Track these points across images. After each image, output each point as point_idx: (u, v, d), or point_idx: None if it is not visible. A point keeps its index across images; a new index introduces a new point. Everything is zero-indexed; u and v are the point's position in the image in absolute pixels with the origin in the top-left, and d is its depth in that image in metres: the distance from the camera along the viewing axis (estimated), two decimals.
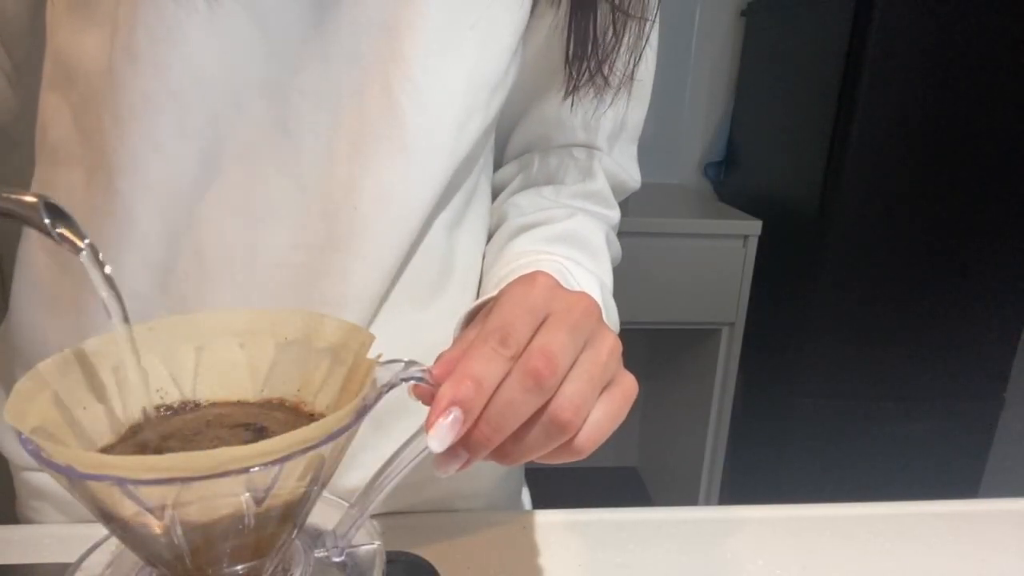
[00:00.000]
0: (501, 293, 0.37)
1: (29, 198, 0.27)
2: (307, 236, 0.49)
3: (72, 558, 0.50)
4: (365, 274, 0.50)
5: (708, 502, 2.03)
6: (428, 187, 0.50)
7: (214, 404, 0.34)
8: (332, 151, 0.48)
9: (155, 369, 0.33)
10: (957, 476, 1.88)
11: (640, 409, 2.48)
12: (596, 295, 0.52)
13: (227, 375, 0.34)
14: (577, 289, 0.45)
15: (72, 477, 0.25)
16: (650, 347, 2.26)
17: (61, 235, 0.28)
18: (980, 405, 1.83)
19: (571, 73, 0.56)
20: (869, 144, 1.61)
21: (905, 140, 1.61)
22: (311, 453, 0.27)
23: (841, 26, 1.60)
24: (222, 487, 0.26)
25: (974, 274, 1.71)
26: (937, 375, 1.79)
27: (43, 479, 0.56)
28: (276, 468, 0.26)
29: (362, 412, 0.29)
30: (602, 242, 0.60)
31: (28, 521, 0.59)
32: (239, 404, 0.34)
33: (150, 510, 0.26)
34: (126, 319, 0.31)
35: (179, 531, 0.27)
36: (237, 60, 0.46)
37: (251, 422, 0.33)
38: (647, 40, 0.57)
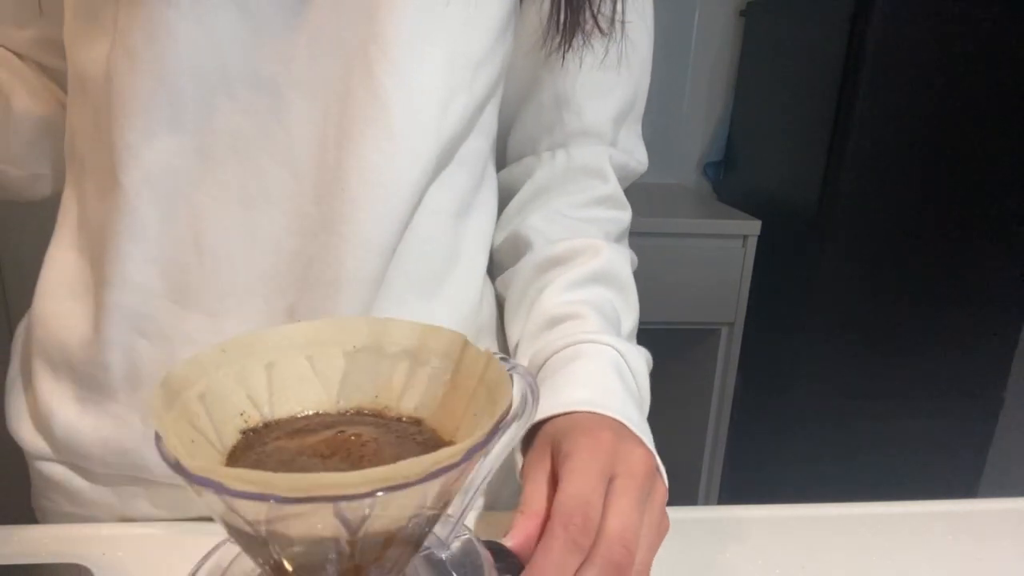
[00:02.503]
0: (569, 449, 0.42)
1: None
2: (301, 221, 0.50)
3: (85, 558, 0.51)
4: (359, 255, 0.50)
5: (707, 502, 2.03)
6: (415, 167, 0.50)
7: (295, 421, 0.34)
8: (321, 136, 0.49)
9: (234, 392, 0.33)
10: (956, 475, 1.89)
11: None
12: (644, 370, 0.55)
13: (300, 390, 0.34)
14: (632, 374, 0.52)
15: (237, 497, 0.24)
16: (649, 347, 2.25)
17: None
18: (979, 405, 1.83)
19: (558, 24, 0.56)
20: (868, 144, 1.61)
21: (904, 140, 1.61)
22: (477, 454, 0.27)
23: (840, 26, 1.60)
24: (418, 493, 0.26)
25: (973, 274, 1.71)
26: (936, 375, 1.79)
27: (57, 470, 0.57)
28: (430, 483, 0.26)
29: (510, 403, 0.30)
30: (630, 274, 0.61)
31: (43, 511, 0.60)
32: (321, 419, 0.34)
33: (347, 523, 0.26)
34: None
35: (360, 545, 0.27)
36: (227, 53, 0.47)
37: (362, 437, 0.33)
38: None
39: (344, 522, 0.26)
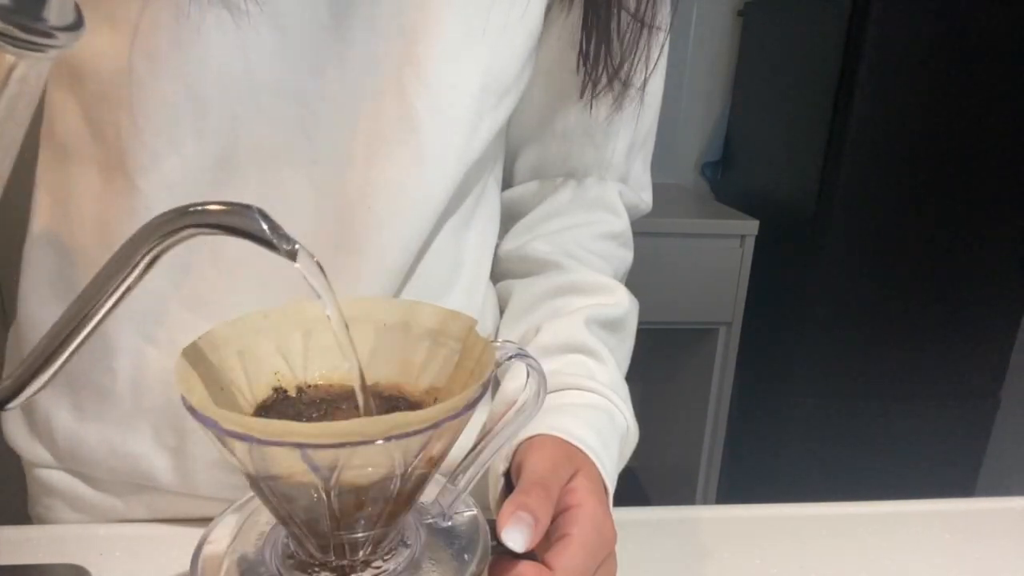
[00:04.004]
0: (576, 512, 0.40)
1: (243, 208, 0.28)
2: (322, 236, 0.50)
3: (83, 559, 0.51)
4: (377, 273, 0.50)
5: (705, 501, 2.03)
6: (440, 189, 0.51)
7: (324, 385, 0.38)
8: (348, 153, 0.49)
9: (271, 353, 0.36)
10: (953, 475, 1.89)
11: (637, 409, 2.47)
12: (634, 431, 0.55)
13: (332, 358, 0.37)
14: (624, 423, 0.52)
15: (251, 443, 0.27)
16: (647, 347, 2.26)
17: (279, 238, 0.29)
18: (976, 404, 1.83)
19: (587, 76, 0.56)
20: (865, 144, 1.61)
21: (901, 140, 1.61)
22: (459, 419, 0.30)
23: (838, 26, 1.60)
24: (383, 452, 0.29)
25: (970, 274, 1.71)
26: (933, 375, 1.79)
27: (55, 476, 0.57)
28: (430, 432, 0.29)
29: (485, 385, 0.33)
30: (634, 323, 0.61)
31: (40, 519, 0.59)
32: (347, 386, 0.38)
33: (317, 470, 0.29)
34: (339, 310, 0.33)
35: (335, 493, 0.30)
36: (256, 63, 0.46)
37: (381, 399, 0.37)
38: (663, 49, 0.57)
39: (313, 468, 0.28)
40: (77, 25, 0.28)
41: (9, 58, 0.26)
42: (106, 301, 0.29)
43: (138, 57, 0.45)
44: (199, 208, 0.28)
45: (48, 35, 0.27)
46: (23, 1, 0.26)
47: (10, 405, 0.30)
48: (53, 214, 0.52)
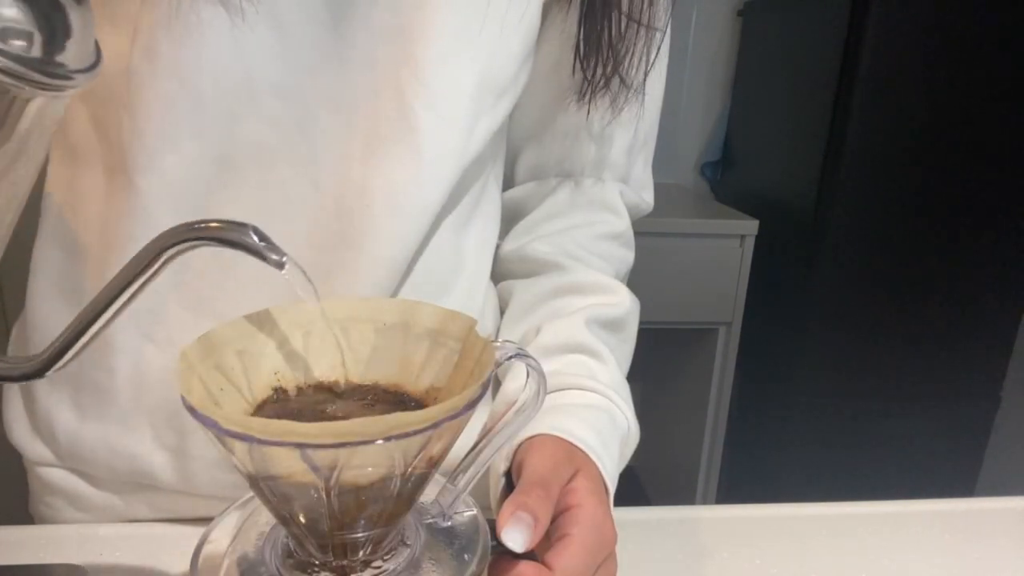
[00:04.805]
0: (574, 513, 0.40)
1: (239, 225, 0.31)
2: (321, 235, 0.50)
3: (83, 559, 0.51)
4: (376, 272, 0.50)
5: (705, 501, 2.03)
6: (438, 188, 0.51)
7: (324, 385, 0.38)
8: (346, 152, 0.49)
9: (271, 353, 0.37)
10: (953, 475, 1.89)
11: (637, 409, 2.47)
12: (635, 431, 0.55)
13: (333, 358, 0.38)
14: (625, 423, 0.52)
15: (251, 443, 0.28)
16: (647, 347, 2.25)
17: (270, 252, 0.32)
18: (976, 404, 1.83)
19: (585, 76, 0.56)
20: (865, 144, 1.61)
21: (901, 139, 1.61)
22: (458, 419, 0.30)
23: (838, 26, 1.60)
24: (383, 452, 0.29)
25: (970, 273, 1.71)
26: (933, 374, 1.79)
27: (56, 475, 0.57)
28: (430, 432, 0.29)
29: (485, 385, 0.33)
30: (635, 323, 0.61)
31: (42, 517, 0.60)
32: (347, 385, 0.38)
33: (317, 470, 0.29)
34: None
35: (335, 493, 0.30)
36: (254, 62, 0.46)
37: (379, 399, 0.37)
38: (659, 49, 0.57)
39: (313, 468, 0.29)
40: (94, 65, 0.30)
41: (25, 97, 0.28)
42: (124, 294, 0.32)
43: (138, 56, 0.45)
44: (203, 224, 0.31)
45: (67, 78, 0.28)
46: (47, 46, 0.27)
47: (49, 372, 0.33)
48: (62, 215, 0.53)
